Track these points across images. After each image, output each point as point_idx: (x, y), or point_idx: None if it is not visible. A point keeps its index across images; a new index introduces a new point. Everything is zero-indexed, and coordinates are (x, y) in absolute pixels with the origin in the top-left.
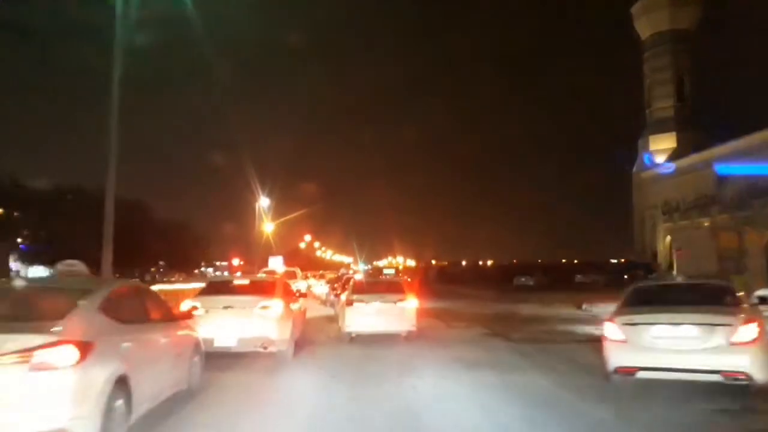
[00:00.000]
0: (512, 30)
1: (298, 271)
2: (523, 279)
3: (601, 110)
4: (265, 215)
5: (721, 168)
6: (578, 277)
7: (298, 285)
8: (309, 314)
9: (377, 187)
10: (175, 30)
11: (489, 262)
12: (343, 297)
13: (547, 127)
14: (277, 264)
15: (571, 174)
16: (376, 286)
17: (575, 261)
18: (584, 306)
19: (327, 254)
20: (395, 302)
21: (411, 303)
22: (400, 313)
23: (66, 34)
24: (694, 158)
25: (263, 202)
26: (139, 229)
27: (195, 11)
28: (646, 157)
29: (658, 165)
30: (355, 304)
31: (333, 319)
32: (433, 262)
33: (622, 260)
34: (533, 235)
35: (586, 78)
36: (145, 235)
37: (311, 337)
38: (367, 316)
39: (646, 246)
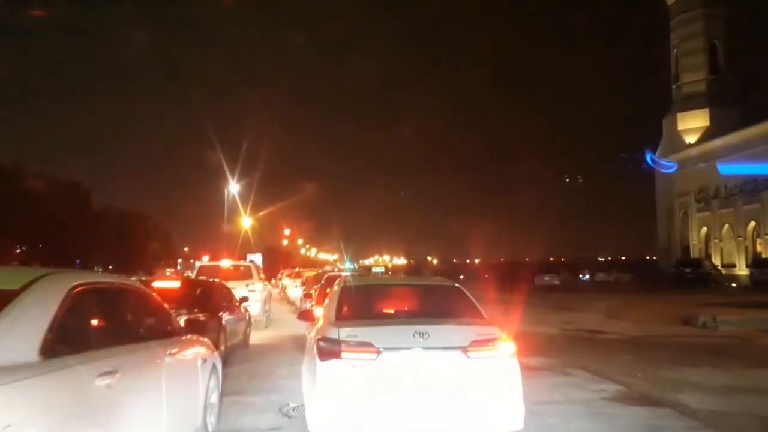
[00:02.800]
0: (515, 19)
1: (253, 266)
2: (547, 278)
3: (616, 93)
4: (243, 210)
5: (723, 168)
6: (600, 276)
7: (253, 289)
8: (274, 332)
9: (367, 187)
10: (172, 28)
11: (476, 261)
12: (316, 322)
13: (554, 117)
14: (255, 261)
15: (569, 168)
16: (398, 297)
17: (563, 259)
18: (703, 319)
19: (312, 252)
20: (463, 348)
21: (505, 349)
22: (481, 385)
23: None
24: (737, 136)
25: (234, 188)
26: (74, 219)
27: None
28: (648, 157)
29: (659, 164)
30: (347, 357)
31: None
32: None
33: (615, 257)
34: (520, 233)
35: (598, 57)
36: (85, 227)
37: (240, 418)
38: (384, 398)
39: (673, 239)
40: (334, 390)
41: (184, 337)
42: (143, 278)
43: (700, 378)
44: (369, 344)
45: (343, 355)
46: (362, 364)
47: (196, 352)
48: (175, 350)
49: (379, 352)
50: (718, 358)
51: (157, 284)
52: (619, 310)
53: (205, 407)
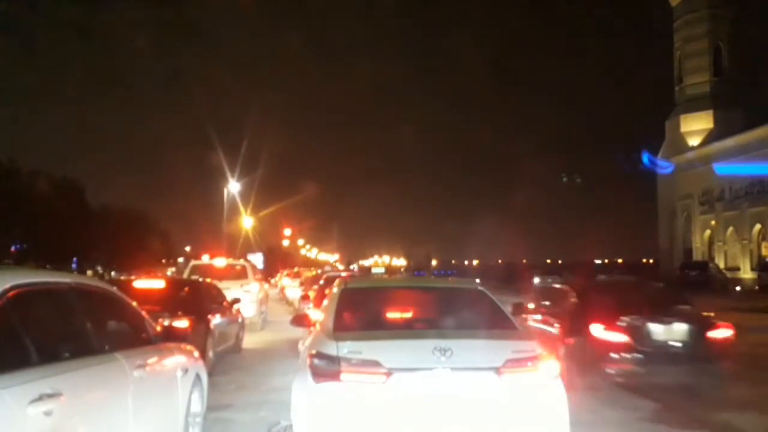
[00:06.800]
0: (516, 20)
1: (248, 265)
2: (549, 280)
3: (618, 94)
4: (244, 210)
5: (720, 168)
6: (602, 278)
7: (248, 289)
8: (270, 336)
9: (367, 187)
10: (173, 29)
11: (475, 262)
12: (313, 328)
13: (554, 118)
14: (256, 262)
15: (569, 170)
16: (410, 302)
17: (559, 261)
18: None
19: (312, 252)
20: (496, 369)
21: (548, 370)
22: (519, 417)
23: None
24: (741, 138)
25: (234, 188)
26: (70, 217)
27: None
28: (645, 157)
29: (656, 164)
30: (348, 378)
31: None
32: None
33: (612, 259)
34: (519, 235)
35: (600, 59)
36: (81, 225)
37: None
38: None
39: (675, 242)
40: (329, 421)
41: (160, 346)
42: (122, 277)
43: (746, 394)
44: (376, 363)
45: (343, 376)
46: (367, 388)
47: (175, 362)
48: (146, 361)
49: (388, 374)
50: (757, 371)
51: (138, 284)
52: None
53: (186, 425)
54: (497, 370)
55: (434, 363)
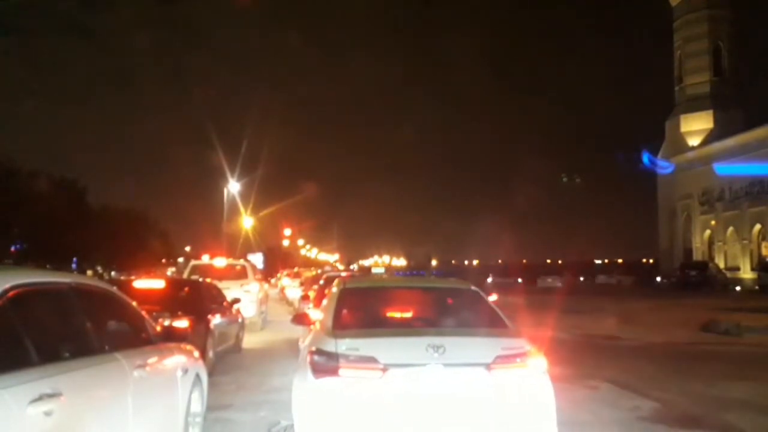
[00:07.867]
0: (516, 20)
1: (248, 265)
2: (549, 280)
3: (618, 94)
4: (244, 209)
5: (720, 168)
6: (601, 278)
7: (248, 289)
8: (270, 336)
9: (367, 187)
10: (174, 28)
11: (475, 262)
12: (312, 327)
13: (554, 118)
14: (256, 262)
15: (569, 171)
16: (407, 301)
17: (559, 261)
18: (725, 326)
19: (312, 252)
20: (486, 365)
21: (536, 366)
22: (508, 410)
23: None
24: (741, 138)
25: (234, 188)
26: (70, 217)
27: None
28: (645, 157)
29: (656, 164)
30: (346, 374)
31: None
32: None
33: (612, 259)
34: (519, 235)
35: (600, 59)
36: (81, 225)
37: None
38: (389, 427)
39: (675, 242)
40: (328, 415)
41: (160, 346)
42: (122, 277)
43: (745, 394)
44: (372, 359)
45: (341, 372)
46: (364, 383)
47: (175, 362)
48: (146, 361)
49: (384, 370)
50: (757, 371)
51: (138, 284)
52: (630, 314)
53: (186, 425)
54: (487, 366)
55: (428, 359)
